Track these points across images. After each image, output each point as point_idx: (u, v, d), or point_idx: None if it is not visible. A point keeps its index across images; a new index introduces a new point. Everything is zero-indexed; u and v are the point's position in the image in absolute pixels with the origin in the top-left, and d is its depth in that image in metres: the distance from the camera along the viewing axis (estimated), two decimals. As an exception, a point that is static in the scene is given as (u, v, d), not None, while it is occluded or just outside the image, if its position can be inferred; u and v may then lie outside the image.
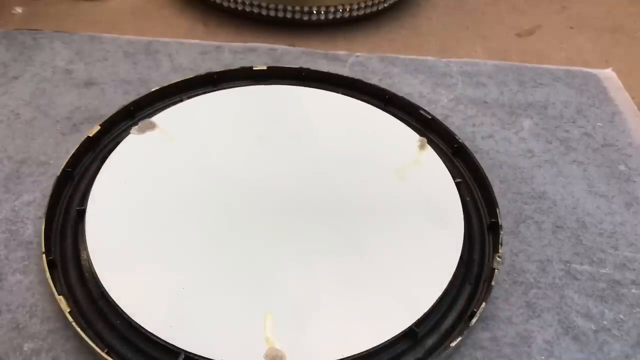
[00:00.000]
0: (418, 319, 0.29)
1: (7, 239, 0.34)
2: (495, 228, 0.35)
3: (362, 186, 0.37)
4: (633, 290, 0.35)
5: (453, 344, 0.29)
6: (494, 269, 0.32)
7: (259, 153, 0.39)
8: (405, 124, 0.41)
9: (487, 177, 0.37)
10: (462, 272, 0.33)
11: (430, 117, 0.42)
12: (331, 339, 0.26)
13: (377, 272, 0.32)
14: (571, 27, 0.59)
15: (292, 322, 0.29)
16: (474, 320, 0.30)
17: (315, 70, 0.45)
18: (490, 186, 0.37)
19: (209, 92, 0.43)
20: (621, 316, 0.33)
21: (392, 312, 0.30)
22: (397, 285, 0.31)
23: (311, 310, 0.29)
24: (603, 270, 0.36)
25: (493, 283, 0.31)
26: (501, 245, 0.33)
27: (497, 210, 0.35)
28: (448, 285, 0.31)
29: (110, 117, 0.40)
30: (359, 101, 0.43)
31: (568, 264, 0.36)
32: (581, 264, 0.36)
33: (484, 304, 0.30)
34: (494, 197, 0.36)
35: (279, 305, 0.30)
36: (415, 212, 0.35)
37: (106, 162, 0.36)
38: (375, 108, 0.43)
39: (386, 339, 0.28)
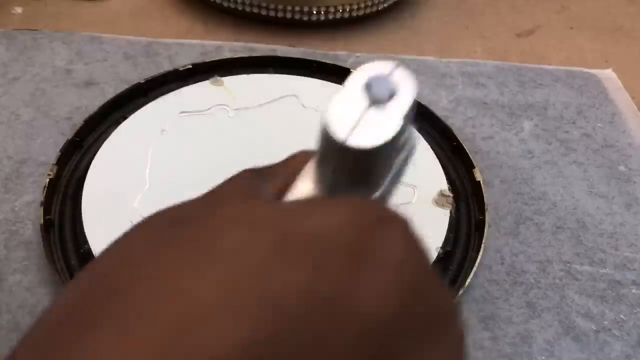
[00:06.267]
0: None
1: (7, 239, 0.34)
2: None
3: None
4: (633, 291, 0.35)
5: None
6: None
7: (259, 152, 0.38)
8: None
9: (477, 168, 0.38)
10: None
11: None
12: None
13: None
14: (571, 27, 0.59)
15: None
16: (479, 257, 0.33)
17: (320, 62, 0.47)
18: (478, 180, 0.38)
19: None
20: (622, 316, 0.33)
21: None
22: None
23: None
24: (603, 271, 0.36)
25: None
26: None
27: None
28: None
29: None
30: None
31: (568, 265, 0.36)
32: (581, 264, 0.36)
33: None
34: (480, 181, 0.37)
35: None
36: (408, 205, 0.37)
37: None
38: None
39: None
